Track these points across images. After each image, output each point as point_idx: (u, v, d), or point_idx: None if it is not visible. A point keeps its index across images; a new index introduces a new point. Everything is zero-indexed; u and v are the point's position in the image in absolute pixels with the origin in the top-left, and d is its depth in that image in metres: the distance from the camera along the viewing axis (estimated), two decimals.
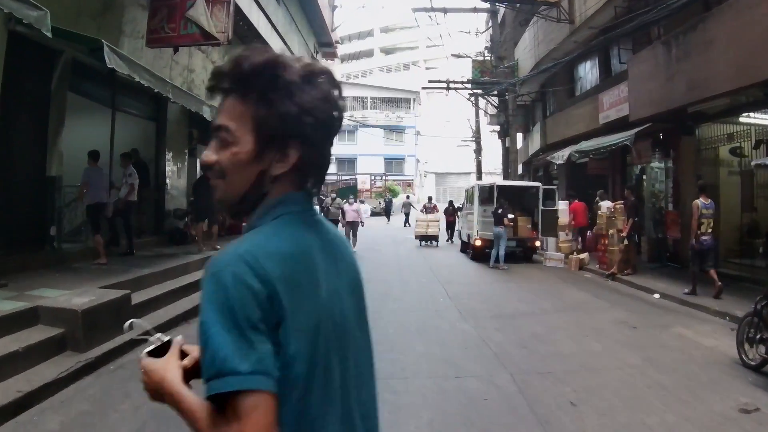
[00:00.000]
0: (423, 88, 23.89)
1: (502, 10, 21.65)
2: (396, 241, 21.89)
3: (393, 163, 52.46)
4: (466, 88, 22.55)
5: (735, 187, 11.68)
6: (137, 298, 6.86)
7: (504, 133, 22.35)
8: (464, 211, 17.75)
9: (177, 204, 12.17)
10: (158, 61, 10.80)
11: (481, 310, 8.29)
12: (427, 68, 63.71)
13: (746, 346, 5.66)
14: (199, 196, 11.38)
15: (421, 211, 22.98)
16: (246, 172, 1.05)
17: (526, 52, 20.48)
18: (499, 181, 16.56)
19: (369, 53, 72.41)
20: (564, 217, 15.29)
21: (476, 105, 30.87)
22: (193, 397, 0.99)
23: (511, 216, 13.83)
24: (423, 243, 20.17)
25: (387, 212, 35.66)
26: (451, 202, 23.35)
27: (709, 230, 9.01)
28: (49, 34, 5.56)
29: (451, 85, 21.76)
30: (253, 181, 1.05)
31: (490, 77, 21.12)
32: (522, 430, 4.08)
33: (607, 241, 12.90)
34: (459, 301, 8.93)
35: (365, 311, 1.19)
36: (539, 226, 14.77)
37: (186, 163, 12.89)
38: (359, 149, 51.31)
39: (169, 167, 11.90)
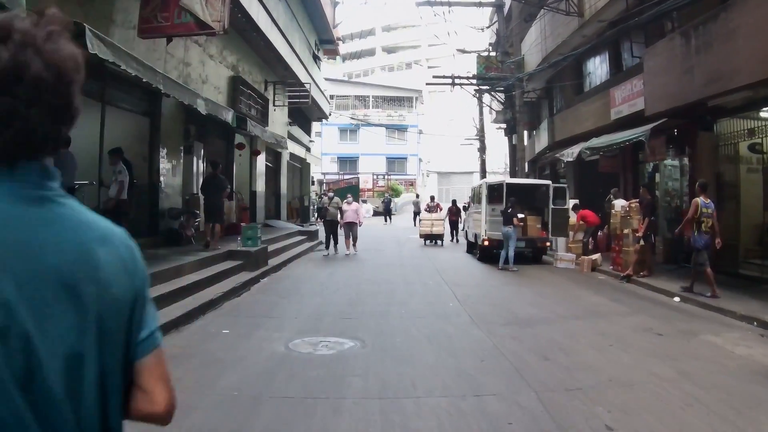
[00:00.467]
0: (427, 83, 23.35)
1: (508, 3, 21.11)
2: (399, 241, 21.39)
3: (395, 162, 52.06)
4: (471, 84, 21.99)
5: (755, 185, 11.16)
6: None
7: (511, 131, 21.82)
8: (471, 211, 17.21)
9: (172, 203, 11.64)
10: (152, 54, 10.27)
11: (494, 316, 7.75)
12: (429, 67, 63.23)
13: None
14: (208, 195, 11.33)
15: (425, 210, 22.56)
16: None
17: (533, 48, 19.94)
18: (509, 179, 15.99)
19: (371, 52, 72.02)
20: (572, 219, 14.78)
21: (480, 103, 30.37)
22: None
23: (521, 215, 13.29)
24: (427, 242, 20.10)
25: (386, 212, 33.62)
26: (454, 202, 23.34)
27: (708, 229, 9.02)
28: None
29: (457, 81, 21.17)
30: None
31: (496, 73, 20.58)
32: None
33: (621, 242, 12.36)
34: (469, 306, 8.39)
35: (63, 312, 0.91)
36: (549, 226, 14.22)
37: (182, 161, 12.36)
38: (361, 148, 50.94)
39: (164, 165, 11.37)
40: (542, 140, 21.87)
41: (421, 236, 20.26)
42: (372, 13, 64.70)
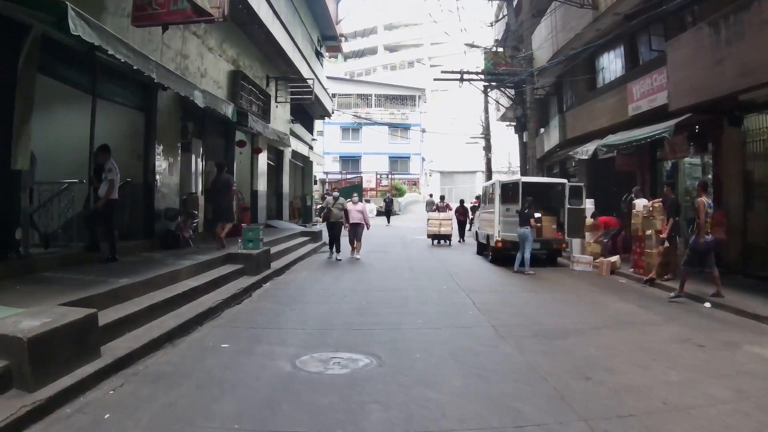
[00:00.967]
0: (435, 79, 22.64)
1: None
2: (405, 242, 20.74)
3: (398, 161, 51.51)
4: (480, 80, 21.33)
5: None
6: (111, 315, 5.68)
7: (521, 128, 21.13)
8: (482, 211, 16.52)
9: (168, 203, 10.97)
10: (147, 45, 9.63)
11: (518, 327, 7.07)
12: (431, 66, 62.69)
13: None
14: (218, 195, 11.36)
15: (433, 210, 22.07)
16: None
17: (543, 43, 19.29)
18: (525, 177, 15.29)
19: (373, 51, 71.54)
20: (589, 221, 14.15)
21: (486, 100, 29.72)
22: None
23: (538, 215, 12.62)
24: (435, 242, 19.85)
25: (387, 213, 31.70)
26: (462, 201, 23.15)
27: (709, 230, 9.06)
28: None
29: (465, 76, 20.48)
30: None
31: (505, 68, 19.92)
32: None
33: (643, 243, 11.70)
34: (490, 315, 7.71)
35: None
36: (565, 227, 13.53)
37: (179, 159, 11.69)
38: (364, 147, 50.41)
39: (160, 163, 10.70)
40: (552, 138, 21.22)
41: (429, 236, 20.03)
42: (374, 11, 64.25)
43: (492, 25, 23.77)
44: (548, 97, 23.09)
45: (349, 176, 43.74)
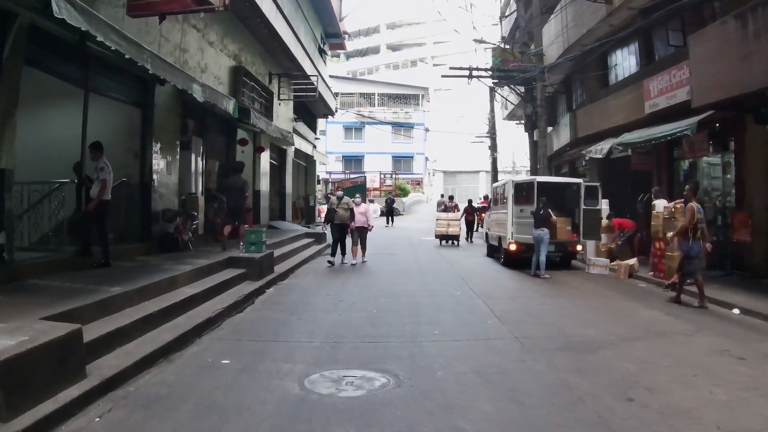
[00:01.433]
0: (443, 76, 22.08)
1: None
2: (411, 243, 20.23)
3: (401, 161, 51.01)
4: (489, 76, 20.79)
5: None
6: (100, 329, 5.15)
7: (531, 126, 20.58)
8: (493, 211, 15.95)
9: (167, 204, 10.44)
10: (144, 37, 9.07)
11: (544, 339, 6.52)
12: (434, 65, 62.15)
13: None
14: (230, 195, 11.14)
15: (441, 210, 21.67)
16: None
17: (553, 40, 18.75)
18: (540, 177, 14.71)
19: (375, 50, 71.11)
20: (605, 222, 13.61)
21: (492, 98, 29.16)
22: None
23: (553, 217, 12.07)
24: (443, 242, 19.66)
25: (389, 213, 30.38)
26: (470, 201, 22.86)
27: (700, 235, 8.82)
28: None
29: (474, 73, 19.94)
30: None
31: (515, 65, 19.39)
32: None
33: (664, 246, 11.15)
34: (512, 325, 7.15)
35: None
36: (581, 228, 12.97)
37: (178, 157, 11.15)
38: (366, 147, 49.93)
39: (158, 162, 10.17)
40: (562, 137, 20.66)
41: (437, 236, 19.81)
42: (377, 10, 63.74)
43: (501, 21, 23.20)
44: (556, 95, 22.54)
45: (352, 176, 43.21)
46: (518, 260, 12.87)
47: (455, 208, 21.61)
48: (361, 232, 13.68)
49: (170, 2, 8.07)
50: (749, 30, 9.41)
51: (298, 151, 23.30)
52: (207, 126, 13.20)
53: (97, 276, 6.95)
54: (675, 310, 8.57)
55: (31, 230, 7.98)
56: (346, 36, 31.09)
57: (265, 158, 17.86)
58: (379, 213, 31.01)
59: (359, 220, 13.48)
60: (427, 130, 49.79)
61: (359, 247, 13.70)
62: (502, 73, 20.05)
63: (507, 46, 22.92)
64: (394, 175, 45.96)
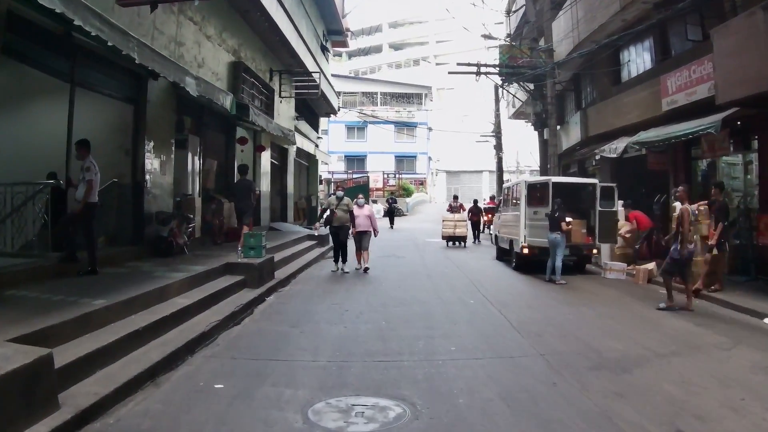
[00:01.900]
0: (450, 72, 21.58)
1: None
2: (417, 244, 19.66)
3: (404, 161, 50.51)
4: (496, 73, 20.22)
5: None
6: (78, 349, 4.56)
7: (541, 124, 19.96)
8: (503, 212, 15.33)
9: (160, 206, 9.85)
10: (136, 29, 8.46)
11: (572, 355, 5.92)
12: (437, 64, 61.57)
13: None
14: (241, 197, 11.20)
15: (447, 210, 21.17)
16: None
17: (562, 36, 18.15)
18: (554, 177, 14.05)
19: (378, 49, 70.60)
20: (623, 221, 13.00)
21: (497, 97, 28.60)
22: None
23: (569, 219, 11.46)
24: (450, 244, 19.37)
25: (390, 214, 29.20)
26: (475, 202, 22.46)
27: (693, 238, 8.85)
28: None
29: (482, 70, 19.35)
30: None
31: (523, 62, 18.81)
32: None
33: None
34: (534, 339, 6.55)
35: None
36: (596, 231, 12.36)
37: (173, 156, 10.57)
38: (369, 146, 49.41)
39: (151, 161, 9.59)
40: (572, 135, 20.06)
41: (444, 237, 19.48)
42: (379, 9, 63.21)
43: (507, 16, 22.58)
44: (564, 92, 21.91)
45: (355, 176, 42.63)
46: (531, 264, 12.28)
47: (460, 208, 21.02)
48: (364, 237, 12.37)
49: None
50: None
51: (300, 150, 22.71)
52: (205, 124, 12.63)
53: (82, 285, 6.37)
54: (704, 319, 7.99)
55: (15, 234, 7.41)
56: (349, 33, 30.52)
57: (266, 157, 17.28)
58: (382, 213, 30.37)
59: (363, 224, 12.21)
60: (430, 129, 49.19)
61: (362, 252, 12.46)
62: (511, 69, 19.46)
63: (514, 43, 22.35)
64: (397, 175, 45.39)
